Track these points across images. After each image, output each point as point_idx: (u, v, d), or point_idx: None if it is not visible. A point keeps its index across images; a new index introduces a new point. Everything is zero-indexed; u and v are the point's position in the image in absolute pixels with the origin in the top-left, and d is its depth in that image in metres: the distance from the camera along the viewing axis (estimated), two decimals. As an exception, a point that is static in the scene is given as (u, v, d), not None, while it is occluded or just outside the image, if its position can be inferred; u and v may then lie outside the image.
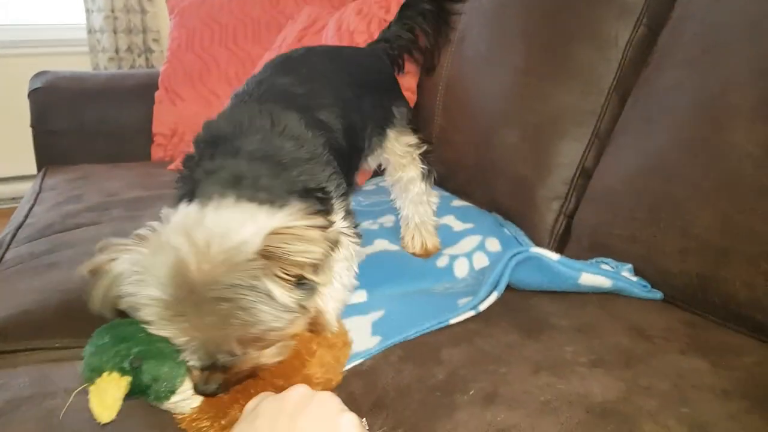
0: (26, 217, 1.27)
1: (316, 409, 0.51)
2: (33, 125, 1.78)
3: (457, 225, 1.12)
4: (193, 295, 0.55)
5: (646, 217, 0.86)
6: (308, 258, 0.57)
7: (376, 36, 1.33)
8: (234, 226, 0.59)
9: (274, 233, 0.57)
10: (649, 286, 0.84)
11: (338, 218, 0.75)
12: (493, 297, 0.79)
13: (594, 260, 0.89)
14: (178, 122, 1.79)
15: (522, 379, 0.62)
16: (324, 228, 0.60)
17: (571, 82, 1.06)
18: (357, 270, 0.80)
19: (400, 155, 1.01)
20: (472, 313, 0.78)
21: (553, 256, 0.82)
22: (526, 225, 1.10)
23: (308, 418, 0.50)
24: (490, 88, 1.19)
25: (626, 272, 0.86)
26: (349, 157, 0.86)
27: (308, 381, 0.62)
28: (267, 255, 0.56)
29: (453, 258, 1.02)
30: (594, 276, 0.82)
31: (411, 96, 1.45)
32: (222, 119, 0.76)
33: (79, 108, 1.78)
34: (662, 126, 0.87)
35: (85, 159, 1.74)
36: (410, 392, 0.64)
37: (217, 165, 0.68)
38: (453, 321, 0.77)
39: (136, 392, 0.59)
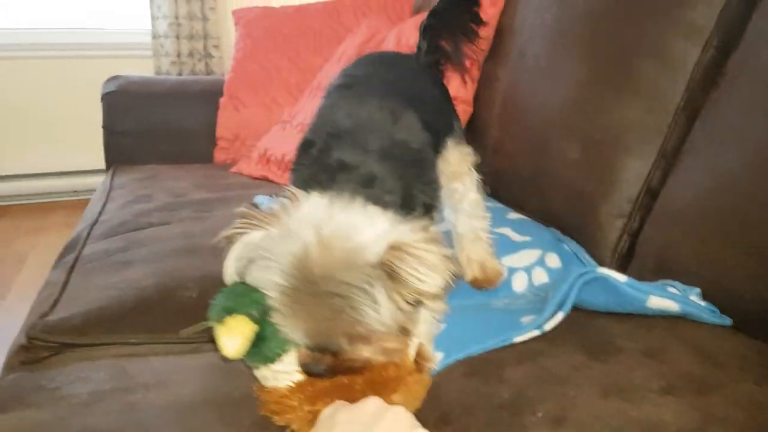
0: (100, 214, 1.31)
1: (391, 423, 0.51)
2: (104, 126, 1.85)
3: (515, 237, 1.10)
4: (312, 287, 0.57)
5: (716, 240, 0.83)
6: (430, 287, 0.57)
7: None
8: (359, 228, 0.60)
9: (396, 247, 0.58)
10: (717, 311, 0.81)
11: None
12: (560, 317, 0.77)
13: (660, 283, 0.87)
14: (240, 127, 1.83)
15: (591, 402, 0.61)
16: (447, 256, 0.60)
17: (636, 98, 1.04)
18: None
19: (456, 164, 0.99)
20: (536, 332, 0.76)
21: (621, 277, 0.80)
22: (587, 241, 1.07)
23: (383, 430, 0.50)
24: (550, 101, 1.17)
25: (694, 296, 0.83)
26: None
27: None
28: (388, 270, 0.57)
29: (512, 271, 1.00)
30: (662, 299, 0.79)
31: (467, 108, 1.44)
32: (339, 111, 0.77)
33: (147, 111, 1.84)
34: (734, 148, 0.84)
35: (151, 159, 1.80)
36: (475, 410, 0.63)
37: (348, 161, 0.70)
38: (517, 339, 0.76)
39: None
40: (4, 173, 3.21)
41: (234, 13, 2.08)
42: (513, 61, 1.29)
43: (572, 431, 0.56)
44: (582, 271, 0.80)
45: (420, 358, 0.65)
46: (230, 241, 0.65)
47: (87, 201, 2.51)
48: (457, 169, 0.98)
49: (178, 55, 3.30)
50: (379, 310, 0.58)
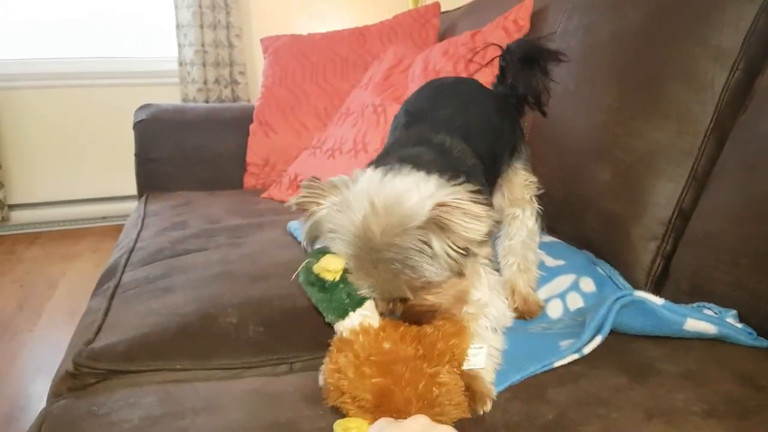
0: (136, 241, 1.35)
1: None
2: (137, 153, 1.91)
3: (549, 261, 1.11)
4: (372, 253, 0.65)
5: (751, 263, 0.83)
6: (475, 234, 0.64)
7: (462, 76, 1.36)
8: (408, 193, 0.67)
9: (442, 204, 0.64)
10: (755, 333, 0.82)
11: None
12: (598, 340, 0.78)
13: (696, 305, 0.88)
14: (270, 153, 1.88)
15: (635, 425, 0.62)
16: (487, 205, 0.66)
17: (666, 121, 1.05)
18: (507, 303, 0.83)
19: (519, 189, 1.01)
20: (576, 356, 0.78)
21: (658, 300, 0.81)
22: (621, 264, 1.08)
23: None
24: (579, 125, 1.19)
25: (731, 318, 0.84)
26: (491, 186, 0.93)
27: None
28: (438, 224, 0.64)
29: (546, 300, 1.02)
30: (699, 322, 0.80)
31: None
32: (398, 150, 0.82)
33: (179, 138, 1.90)
34: (765, 173, 0.85)
35: (183, 185, 1.85)
36: (519, 429, 0.64)
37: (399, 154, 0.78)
38: (557, 364, 0.77)
39: (337, 286, 0.68)
40: (34, 200, 3.31)
41: (262, 41, 2.14)
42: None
43: (617, 455, 0.57)
44: (619, 295, 0.81)
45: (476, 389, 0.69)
46: (301, 206, 0.73)
47: (116, 227, 2.58)
48: (519, 195, 1.01)
49: (205, 82, 3.40)
50: (434, 264, 0.65)
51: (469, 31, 1.51)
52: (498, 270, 0.86)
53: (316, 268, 0.67)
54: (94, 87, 3.39)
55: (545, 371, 0.76)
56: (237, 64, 3.42)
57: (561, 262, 1.11)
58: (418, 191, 0.67)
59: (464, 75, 1.39)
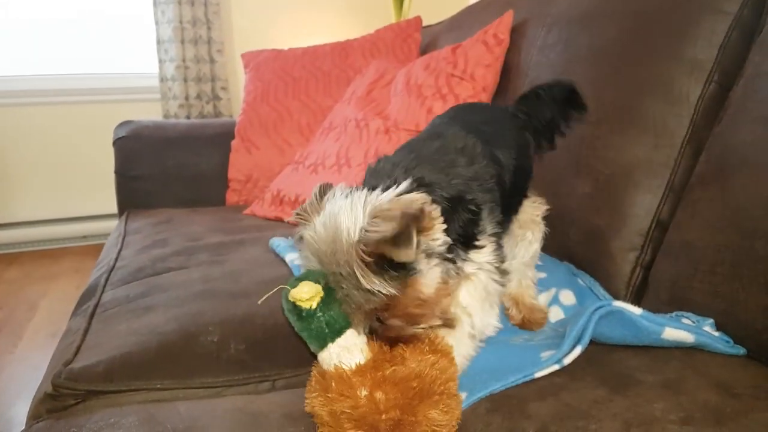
0: (116, 260, 1.35)
1: None
2: (117, 171, 1.91)
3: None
4: (335, 271, 0.66)
5: (728, 272, 0.86)
6: (380, 235, 0.62)
7: (443, 90, 1.39)
8: (345, 212, 0.67)
9: (371, 215, 0.65)
10: (731, 341, 0.84)
11: (487, 250, 0.80)
12: (578, 351, 0.80)
13: (675, 314, 0.90)
14: (252, 169, 1.89)
15: (613, 436, 0.63)
16: (410, 210, 0.65)
17: (643, 135, 1.08)
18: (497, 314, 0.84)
19: (530, 212, 1.04)
20: (556, 367, 0.79)
21: (636, 310, 0.83)
22: (602, 275, 1.10)
23: None
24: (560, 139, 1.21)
25: (708, 327, 0.86)
26: (510, 197, 0.92)
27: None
28: (363, 243, 0.64)
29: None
30: (677, 331, 0.82)
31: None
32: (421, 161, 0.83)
33: (160, 155, 1.91)
34: (742, 182, 0.88)
35: (164, 203, 1.85)
36: (501, 445, 0.66)
37: (386, 160, 0.81)
38: (538, 375, 0.78)
39: (314, 315, 0.67)
40: (13, 220, 3.29)
41: (243, 56, 2.16)
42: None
43: (595, 465, 0.58)
44: (598, 305, 0.83)
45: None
46: (295, 223, 0.75)
47: (97, 246, 2.56)
48: (530, 217, 1.03)
49: (186, 98, 3.41)
50: (362, 285, 0.64)
51: (450, 45, 1.53)
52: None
53: (291, 297, 0.66)
54: (74, 104, 3.38)
55: (527, 382, 0.77)
56: (219, 79, 3.43)
57: (543, 275, 1.13)
58: (358, 207, 0.67)
59: (445, 89, 1.41)
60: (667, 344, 0.83)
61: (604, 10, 1.20)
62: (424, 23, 2.12)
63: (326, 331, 0.67)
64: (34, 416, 0.84)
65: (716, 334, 0.84)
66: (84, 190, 3.33)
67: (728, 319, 0.85)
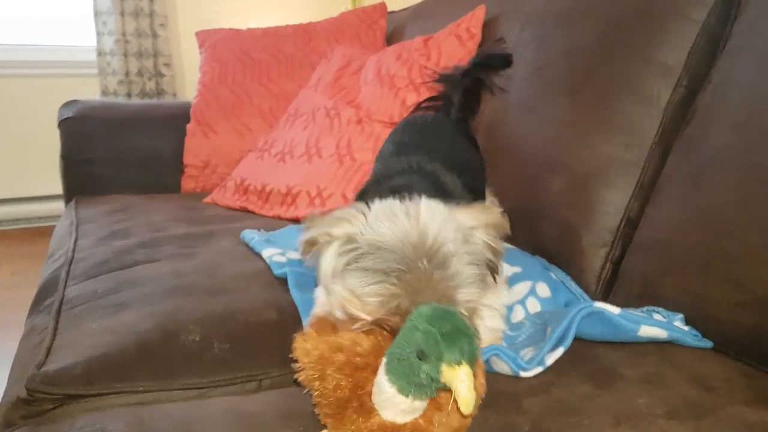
0: (74, 251, 1.31)
1: None
2: (64, 155, 1.83)
3: (506, 269, 1.17)
4: (427, 264, 0.69)
5: (698, 269, 0.92)
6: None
7: (417, 81, 1.41)
8: (442, 210, 0.75)
9: (489, 225, 0.77)
10: (699, 335, 0.91)
11: None
12: (560, 352, 0.85)
13: (646, 309, 0.96)
14: (210, 154, 1.86)
15: (605, 431, 0.68)
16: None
17: (615, 134, 1.14)
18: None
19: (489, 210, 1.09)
20: (539, 368, 0.83)
21: (615, 309, 0.88)
22: (573, 269, 1.16)
23: None
24: (535, 137, 1.26)
25: (678, 321, 0.92)
26: None
27: None
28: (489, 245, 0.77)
29: (509, 309, 1.08)
30: (652, 328, 0.88)
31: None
32: (392, 169, 0.91)
33: (111, 138, 1.85)
34: (712, 184, 0.94)
35: (114, 188, 1.80)
36: (499, 442, 0.69)
37: (399, 183, 0.86)
38: (523, 374, 0.82)
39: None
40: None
41: (197, 34, 2.10)
42: (495, 95, 1.38)
43: (594, 460, 0.63)
44: (581, 306, 0.88)
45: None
46: (312, 244, 0.76)
47: (32, 230, 2.45)
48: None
49: (127, 74, 3.28)
50: (480, 271, 0.73)
51: (422, 36, 1.55)
52: None
53: (446, 372, 0.58)
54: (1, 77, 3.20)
55: (517, 380, 0.81)
56: (162, 55, 3.32)
57: (518, 269, 1.17)
58: (448, 213, 0.74)
59: (418, 80, 1.43)
60: (642, 340, 0.89)
61: (579, 9, 1.25)
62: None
63: (429, 395, 0.62)
64: (5, 423, 0.82)
65: (686, 328, 0.91)
66: (14, 170, 3.17)
67: (697, 314, 0.91)
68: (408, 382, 0.60)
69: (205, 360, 0.90)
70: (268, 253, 1.19)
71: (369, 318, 0.71)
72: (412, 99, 1.43)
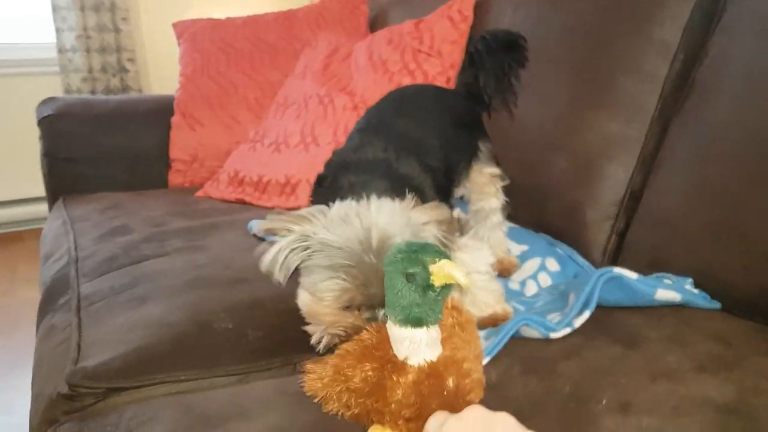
0: (76, 249, 1.31)
1: (502, 428, 0.59)
2: (46, 153, 1.80)
3: (514, 248, 1.23)
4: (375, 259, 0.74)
5: (706, 236, 0.99)
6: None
7: (411, 66, 1.44)
8: (396, 209, 0.80)
9: (440, 222, 0.81)
10: (708, 297, 0.97)
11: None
12: (587, 315, 0.90)
13: (655, 275, 1.02)
14: (198, 148, 1.85)
15: (644, 387, 0.73)
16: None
17: (616, 111, 1.20)
18: None
19: (484, 184, 1.12)
20: (568, 330, 0.89)
21: (632, 275, 0.94)
22: (579, 244, 1.22)
23: None
24: (536, 118, 1.31)
25: (688, 285, 0.99)
26: (446, 191, 1.02)
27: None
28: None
29: (522, 284, 1.14)
30: (667, 291, 0.94)
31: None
32: (351, 152, 0.95)
33: (93, 135, 1.83)
34: (717, 155, 1.01)
35: (100, 187, 1.79)
36: (545, 405, 0.74)
37: (355, 181, 0.89)
38: (553, 336, 0.88)
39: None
40: None
41: (175, 25, 2.09)
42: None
43: (641, 414, 0.68)
44: (602, 272, 0.93)
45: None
46: (271, 232, 0.82)
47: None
48: (484, 189, 1.13)
49: (90, 71, 3.22)
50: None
51: (412, 19, 1.58)
52: None
53: (436, 269, 0.63)
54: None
55: (547, 344, 0.86)
56: (125, 50, 3.25)
57: (525, 247, 1.23)
58: (404, 209, 0.80)
59: (412, 65, 1.46)
60: (657, 304, 0.95)
61: (572, -10, 1.30)
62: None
63: (437, 312, 0.66)
64: (47, 420, 0.83)
65: (696, 291, 0.98)
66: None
67: (706, 278, 0.98)
68: (413, 311, 0.64)
69: (240, 347, 0.93)
70: (282, 242, 1.21)
71: (328, 314, 0.79)
72: (407, 83, 1.46)
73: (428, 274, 0.63)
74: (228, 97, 1.90)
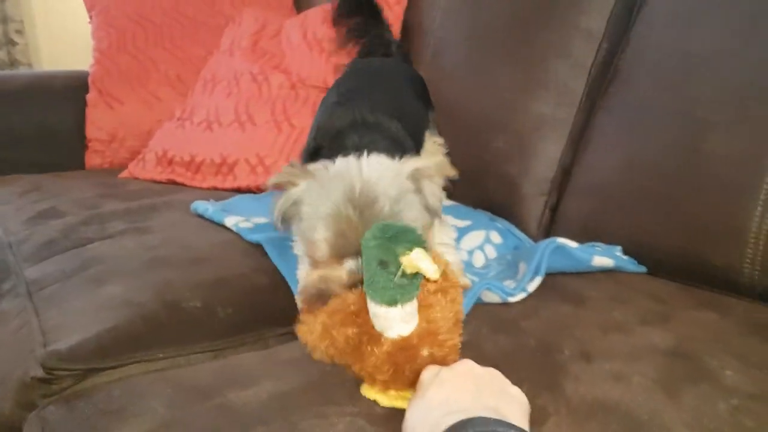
0: (5, 234, 1.26)
1: (490, 378, 0.68)
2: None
3: (458, 222, 1.33)
4: (359, 217, 0.80)
5: (633, 206, 1.13)
6: (436, 204, 0.90)
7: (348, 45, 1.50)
8: (385, 162, 0.88)
9: (418, 170, 0.88)
10: (635, 262, 1.12)
11: None
12: (538, 280, 1.02)
13: (587, 245, 1.16)
14: (117, 127, 1.80)
15: (599, 338, 0.85)
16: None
17: (547, 94, 1.33)
18: None
19: (433, 153, 1.20)
20: (523, 294, 1.00)
21: (573, 244, 1.07)
22: (515, 218, 1.34)
23: (488, 384, 0.67)
24: (474, 99, 1.42)
25: (618, 252, 1.13)
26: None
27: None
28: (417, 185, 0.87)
29: (470, 253, 1.24)
30: (602, 258, 1.08)
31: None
32: (340, 119, 1.01)
33: (2, 113, 1.72)
34: (641, 133, 1.15)
35: (11, 168, 1.70)
36: (516, 357, 0.83)
37: (360, 142, 0.95)
38: (510, 300, 0.98)
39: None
40: None
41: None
42: (428, 59, 1.52)
43: (602, 360, 0.79)
44: (548, 242, 1.06)
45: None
46: (278, 187, 0.88)
47: None
48: (433, 158, 1.20)
49: (-29, 44, 2.97)
50: (414, 213, 0.85)
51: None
52: None
53: (406, 261, 0.67)
54: None
55: (508, 307, 0.96)
56: (12, 21, 3.03)
57: (468, 222, 1.33)
58: (393, 165, 0.87)
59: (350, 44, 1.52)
60: (593, 269, 1.08)
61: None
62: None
63: (411, 293, 0.70)
64: (22, 405, 0.84)
65: (625, 257, 1.12)
66: None
67: (633, 245, 1.13)
68: (387, 292, 0.69)
69: (212, 325, 0.96)
70: (231, 221, 1.24)
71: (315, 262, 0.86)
72: (344, 63, 1.51)
73: (398, 265, 0.67)
74: (148, 74, 1.85)
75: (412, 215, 0.85)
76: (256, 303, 1.01)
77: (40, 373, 0.83)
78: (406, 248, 0.67)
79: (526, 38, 1.36)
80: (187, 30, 1.92)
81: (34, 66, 3.11)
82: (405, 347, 0.73)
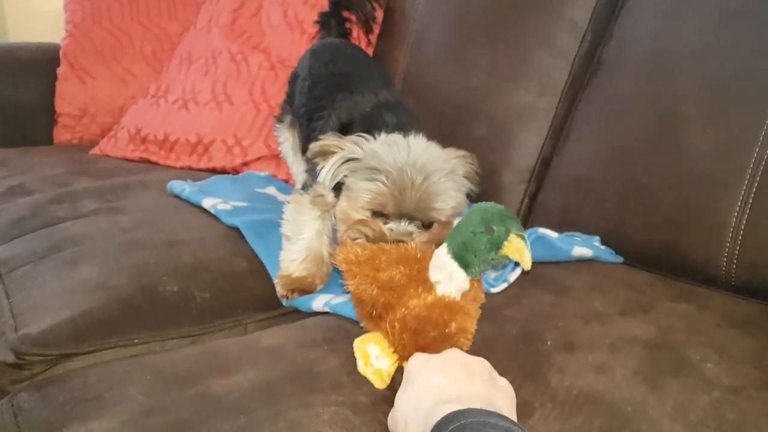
0: (-32, 211, 1.21)
1: (480, 367, 0.67)
2: None
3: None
4: (413, 177, 0.84)
5: (612, 198, 1.14)
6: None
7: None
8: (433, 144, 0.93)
9: (463, 157, 0.96)
10: (613, 252, 1.13)
11: None
12: (519, 270, 1.02)
13: (566, 234, 1.16)
14: (89, 102, 1.75)
15: (581, 329, 0.85)
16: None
17: (531, 83, 1.32)
18: None
19: None
20: (505, 284, 1.00)
21: (553, 234, 1.08)
22: (495, 206, 1.34)
23: (478, 373, 0.67)
24: (456, 86, 1.40)
25: (596, 242, 1.14)
26: None
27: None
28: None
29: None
30: (582, 248, 1.09)
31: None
32: (349, 104, 1.04)
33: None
34: (623, 126, 1.15)
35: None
36: (498, 346, 0.83)
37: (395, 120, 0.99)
38: (493, 290, 0.98)
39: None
40: None
41: (58, -32, 1.92)
42: (409, 44, 1.50)
43: (584, 351, 0.80)
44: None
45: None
46: (320, 153, 0.89)
47: None
48: None
49: None
50: (462, 196, 0.91)
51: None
52: None
53: (512, 240, 0.71)
54: None
55: (490, 296, 0.95)
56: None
57: (449, 209, 1.33)
58: (438, 148, 0.92)
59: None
60: (573, 259, 1.09)
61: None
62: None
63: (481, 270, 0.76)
64: (-5, 391, 0.80)
65: (603, 248, 1.13)
66: None
67: (611, 236, 1.14)
68: (469, 254, 0.73)
69: (190, 309, 0.94)
70: (209, 203, 1.21)
71: (359, 215, 0.87)
72: (326, 45, 1.48)
73: (505, 239, 0.71)
74: (122, 49, 1.79)
75: (461, 197, 0.92)
76: (234, 288, 0.99)
77: (10, 358, 0.80)
78: (517, 231, 0.71)
79: (510, 27, 1.34)
80: (164, 5, 1.86)
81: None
82: (446, 307, 0.74)
